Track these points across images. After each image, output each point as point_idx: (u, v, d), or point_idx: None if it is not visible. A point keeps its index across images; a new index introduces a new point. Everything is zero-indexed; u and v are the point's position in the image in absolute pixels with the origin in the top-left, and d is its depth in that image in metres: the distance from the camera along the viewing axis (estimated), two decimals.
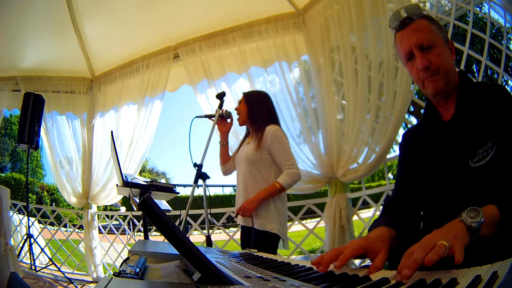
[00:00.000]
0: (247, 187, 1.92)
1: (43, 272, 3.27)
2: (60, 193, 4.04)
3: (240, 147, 2.06)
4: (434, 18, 0.94)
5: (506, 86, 0.93)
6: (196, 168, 1.94)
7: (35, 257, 3.16)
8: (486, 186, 0.76)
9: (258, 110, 1.96)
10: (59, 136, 3.97)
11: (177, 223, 1.92)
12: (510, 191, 0.71)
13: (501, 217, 0.66)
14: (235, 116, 2.06)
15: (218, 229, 3.60)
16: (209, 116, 2.07)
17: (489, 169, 0.76)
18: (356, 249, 0.67)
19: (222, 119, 2.06)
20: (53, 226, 4.29)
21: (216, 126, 2.03)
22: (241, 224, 1.95)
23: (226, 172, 2.12)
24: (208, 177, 2.01)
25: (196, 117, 2.05)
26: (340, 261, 0.63)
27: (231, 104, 3.07)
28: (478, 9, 2.51)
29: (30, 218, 3.32)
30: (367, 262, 0.67)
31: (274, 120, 2.00)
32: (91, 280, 3.58)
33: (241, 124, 2.04)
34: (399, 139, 2.31)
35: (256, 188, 1.88)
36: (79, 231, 4.14)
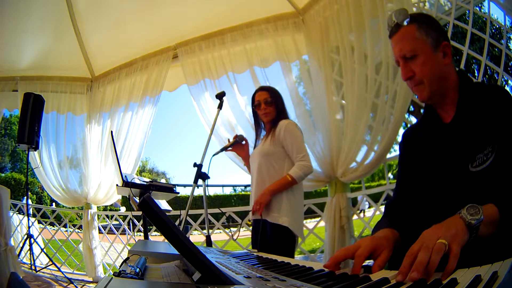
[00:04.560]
0: (261, 181, 1.91)
1: (43, 272, 3.27)
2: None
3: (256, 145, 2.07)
4: (425, 19, 0.89)
5: (506, 86, 0.91)
6: (196, 168, 1.95)
7: (35, 257, 3.16)
8: (486, 190, 0.76)
9: (283, 107, 2.00)
10: (59, 136, 3.97)
11: (177, 223, 1.92)
12: (510, 194, 0.71)
13: (500, 216, 0.66)
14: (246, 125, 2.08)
15: (218, 229, 3.61)
16: (225, 148, 2.12)
17: (488, 174, 0.76)
18: (368, 249, 0.68)
19: (238, 144, 2.10)
20: (53, 226, 4.30)
21: (230, 149, 2.11)
22: (253, 218, 1.95)
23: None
24: (208, 177, 2.01)
25: (214, 155, 2.07)
26: (355, 267, 0.64)
27: (229, 104, 3.07)
28: (477, 8, 2.51)
29: (30, 218, 3.32)
30: (367, 262, 0.67)
31: (287, 116, 2.02)
32: (91, 280, 3.58)
33: (268, 122, 2.01)
34: (399, 138, 2.31)
35: (271, 181, 1.88)
36: (79, 231, 4.14)
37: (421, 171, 0.92)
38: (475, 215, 0.62)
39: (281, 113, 1.98)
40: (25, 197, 3.27)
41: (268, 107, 1.96)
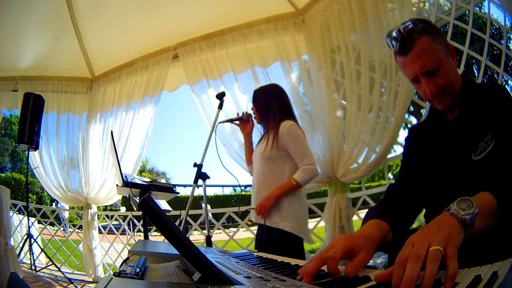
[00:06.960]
0: (261, 184, 1.92)
1: (43, 272, 3.27)
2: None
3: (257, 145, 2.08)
4: (433, 28, 0.86)
5: (506, 86, 0.92)
6: (196, 168, 1.95)
7: (35, 257, 3.16)
8: (488, 177, 0.74)
9: (266, 107, 1.97)
10: (59, 136, 3.97)
11: (177, 223, 1.92)
12: (507, 178, 0.68)
13: (497, 203, 0.62)
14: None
15: (218, 229, 3.61)
16: (231, 120, 2.18)
17: (490, 160, 0.76)
18: (338, 258, 0.61)
19: (243, 122, 2.13)
20: (53, 226, 4.29)
21: (238, 128, 2.18)
22: (255, 221, 1.96)
23: (252, 173, 2.12)
24: (208, 177, 2.01)
25: (220, 122, 2.13)
26: (329, 270, 0.58)
27: (229, 105, 3.07)
28: (477, 8, 2.51)
29: (30, 218, 3.32)
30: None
31: (289, 114, 1.97)
32: (91, 280, 3.58)
33: (258, 123, 2.07)
34: (400, 139, 2.31)
35: (268, 185, 1.87)
36: (79, 231, 4.14)
37: (425, 163, 0.93)
38: (468, 209, 0.56)
39: (263, 115, 1.98)
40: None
41: (255, 113, 2.05)
